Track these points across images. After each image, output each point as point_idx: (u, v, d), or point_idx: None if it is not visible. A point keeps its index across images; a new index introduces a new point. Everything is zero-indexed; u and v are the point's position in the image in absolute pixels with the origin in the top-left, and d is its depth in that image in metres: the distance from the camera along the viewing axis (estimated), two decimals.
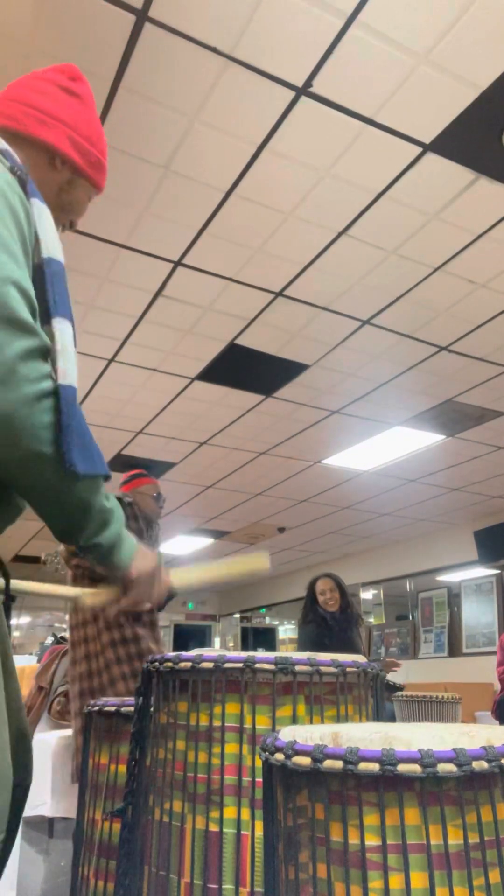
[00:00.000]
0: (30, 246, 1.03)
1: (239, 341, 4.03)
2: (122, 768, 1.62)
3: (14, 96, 1.18)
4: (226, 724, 1.18)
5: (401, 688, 4.82)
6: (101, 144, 1.24)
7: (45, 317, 1.01)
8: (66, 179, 1.19)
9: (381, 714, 1.35)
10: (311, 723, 1.19)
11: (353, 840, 0.77)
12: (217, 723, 1.18)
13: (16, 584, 1.18)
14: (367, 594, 9.53)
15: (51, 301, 1.02)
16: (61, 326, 1.03)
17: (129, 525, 3.05)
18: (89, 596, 1.22)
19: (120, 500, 3.11)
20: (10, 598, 1.22)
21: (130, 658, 2.79)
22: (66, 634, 5.13)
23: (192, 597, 12.73)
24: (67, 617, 3.03)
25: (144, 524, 3.18)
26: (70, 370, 1.00)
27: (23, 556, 10.01)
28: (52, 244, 1.06)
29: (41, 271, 1.03)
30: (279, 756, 0.83)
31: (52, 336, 1.00)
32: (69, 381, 0.98)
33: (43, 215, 1.06)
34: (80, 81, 1.25)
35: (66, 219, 1.25)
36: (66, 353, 1.00)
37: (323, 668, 1.21)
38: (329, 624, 4.16)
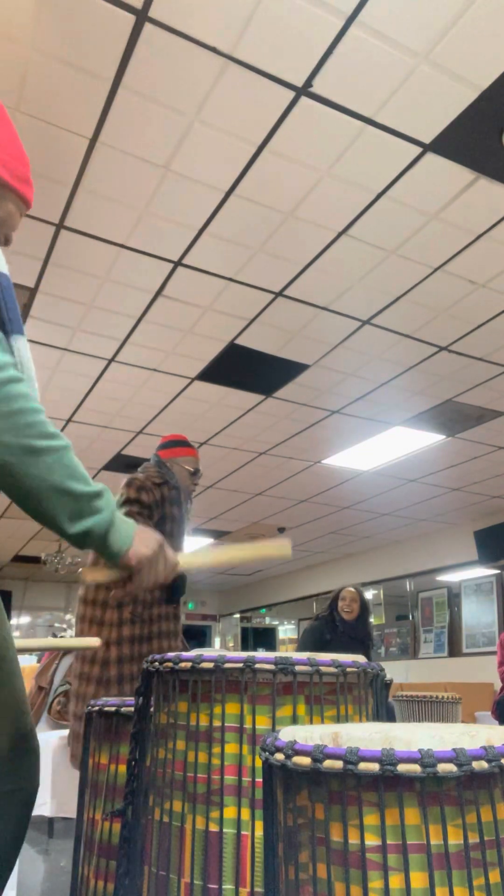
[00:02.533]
0: None
1: (239, 341, 4.03)
2: (122, 768, 1.62)
3: None
4: (226, 724, 1.18)
5: (390, 681, 4.85)
6: (24, 159, 1.27)
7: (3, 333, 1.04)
8: None
9: (381, 712, 1.35)
10: (311, 723, 1.19)
11: (353, 840, 0.77)
12: (217, 723, 1.18)
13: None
14: (367, 594, 9.53)
15: (6, 318, 1.05)
16: (18, 344, 1.05)
17: (167, 511, 2.92)
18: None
19: (154, 475, 2.93)
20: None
21: (142, 657, 2.74)
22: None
23: (191, 597, 12.74)
24: (76, 611, 2.96)
25: (181, 505, 3.02)
26: (33, 395, 1.03)
27: (23, 556, 10.01)
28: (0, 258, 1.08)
29: None
30: (279, 756, 0.83)
31: (11, 355, 1.03)
32: None
33: None
34: None
35: (0, 234, 1.26)
36: (23, 371, 1.04)
37: (323, 669, 1.21)
38: (336, 625, 4.25)
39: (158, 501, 2.85)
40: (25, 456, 0.94)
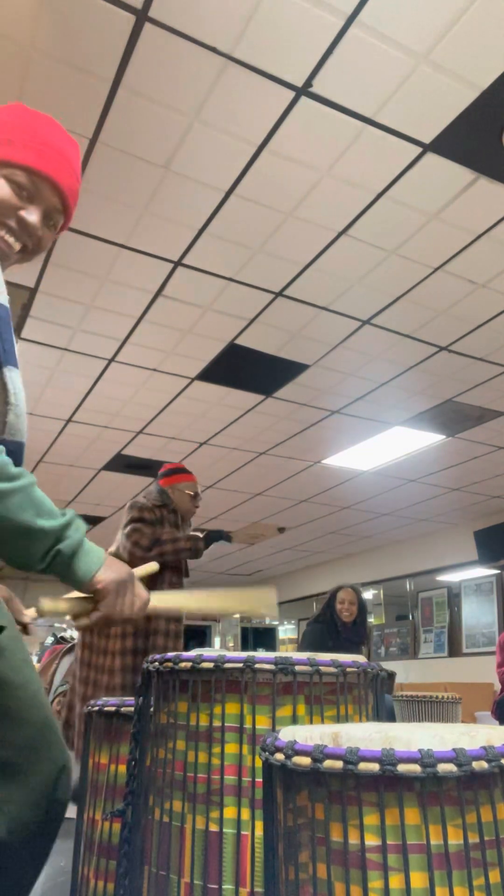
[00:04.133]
0: None
1: (239, 341, 4.03)
2: (122, 768, 1.62)
3: None
4: (226, 725, 1.18)
5: (392, 675, 4.83)
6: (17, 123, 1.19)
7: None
8: None
9: (381, 709, 1.35)
10: (311, 723, 1.19)
11: (353, 840, 0.77)
12: (217, 723, 1.18)
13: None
14: (367, 594, 9.53)
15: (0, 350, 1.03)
16: (11, 375, 1.04)
17: (165, 516, 3.10)
18: (48, 601, 1.14)
19: (155, 498, 3.17)
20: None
21: (136, 670, 2.78)
22: (66, 634, 5.13)
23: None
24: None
25: (178, 527, 3.23)
26: (21, 426, 1.04)
27: None
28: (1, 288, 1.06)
29: None
30: (279, 756, 0.83)
31: (3, 386, 1.03)
32: (19, 437, 1.04)
33: None
34: None
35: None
36: (17, 406, 1.04)
37: (323, 668, 1.21)
38: (337, 629, 4.20)
39: (159, 520, 3.11)
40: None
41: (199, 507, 3.41)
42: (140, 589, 1.12)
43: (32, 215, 1.15)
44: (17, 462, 1.03)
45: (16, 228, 1.15)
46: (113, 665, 2.82)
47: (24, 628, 1.29)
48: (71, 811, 1.33)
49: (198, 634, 12.80)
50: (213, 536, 3.27)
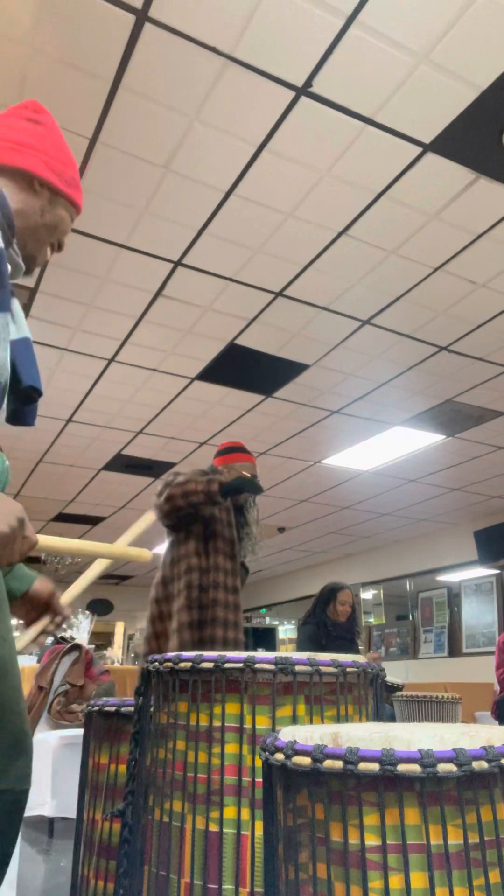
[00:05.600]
0: None
1: (239, 341, 4.03)
2: (122, 768, 1.62)
3: None
4: (226, 725, 1.18)
5: (400, 688, 4.83)
6: (73, 165, 1.33)
7: None
8: (47, 200, 1.26)
9: (381, 717, 1.35)
10: (311, 723, 1.19)
11: (353, 840, 0.77)
12: (217, 723, 1.18)
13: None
14: (367, 594, 9.53)
15: None
16: None
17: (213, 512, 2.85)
18: (84, 576, 1.18)
19: (214, 471, 2.89)
20: None
21: (202, 642, 2.66)
22: (66, 634, 5.13)
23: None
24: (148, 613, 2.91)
25: (229, 510, 2.92)
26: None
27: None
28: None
29: None
30: (279, 756, 0.83)
31: None
32: None
33: None
34: (43, 113, 1.35)
35: (53, 238, 1.30)
36: None
37: (323, 668, 1.21)
38: (328, 628, 4.20)
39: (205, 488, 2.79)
40: None
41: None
42: (29, 532, 1.05)
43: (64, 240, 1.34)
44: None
45: (55, 248, 1.32)
46: (170, 635, 2.69)
47: (63, 620, 1.34)
48: (71, 811, 1.32)
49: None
50: (236, 485, 2.80)
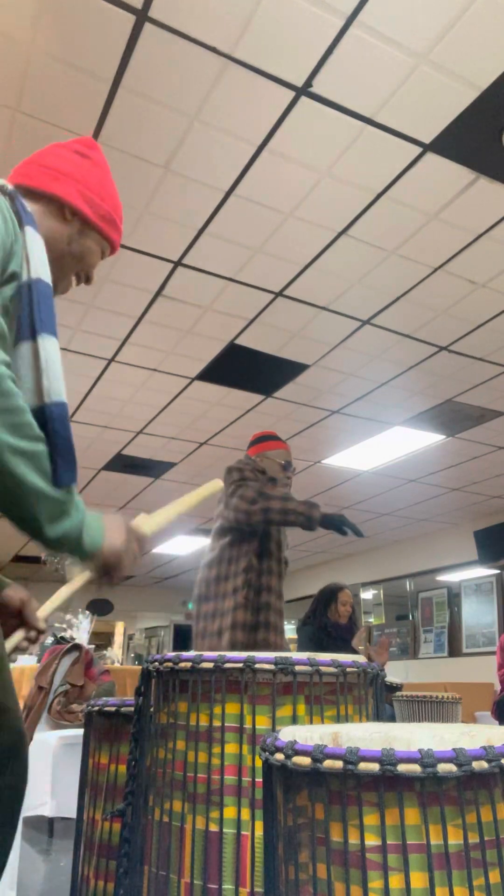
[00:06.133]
0: (10, 259, 1.09)
1: (239, 341, 4.03)
2: (122, 768, 1.62)
3: (33, 160, 1.29)
4: (226, 724, 1.18)
5: (399, 687, 4.82)
6: (113, 203, 1.32)
7: (31, 333, 1.08)
8: (76, 230, 1.26)
9: (381, 717, 1.35)
10: (311, 723, 1.19)
11: (353, 840, 0.77)
12: (217, 723, 1.18)
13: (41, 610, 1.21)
14: (367, 594, 9.53)
15: (37, 319, 1.08)
16: (47, 345, 1.08)
17: (263, 483, 2.80)
18: (70, 583, 1.17)
19: (250, 464, 2.83)
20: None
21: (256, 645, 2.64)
22: (66, 634, 5.13)
23: (192, 597, 12.72)
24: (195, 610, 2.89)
25: (275, 485, 2.88)
26: (55, 387, 1.07)
27: (23, 556, 10.02)
28: (41, 267, 1.12)
29: (29, 290, 1.09)
30: (279, 756, 0.83)
31: (36, 353, 1.07)
32: (54, 398, 1.06)
33: (35, 240, 1.13)
34: (95, 149, 1.38)
35: (78, 268, 1.30)
36: (49, 370, 1.07)
37: (323, 668, 1.21)
38: (328, 629, 4.17)
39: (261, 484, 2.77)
40: (11, 455, 0.94)
41: (290, 477, 3.02)
42: (138, 532, 1.15)
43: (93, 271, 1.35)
44: (66, 420, 1.06)
45: (81, 279, 1.33)
46: (222, 634, 2.67)
47: (39, 634, 1.30)
48: (71, 811, 1.32)
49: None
50: (335, 521, 2.74)
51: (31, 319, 1.08)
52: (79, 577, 1.17)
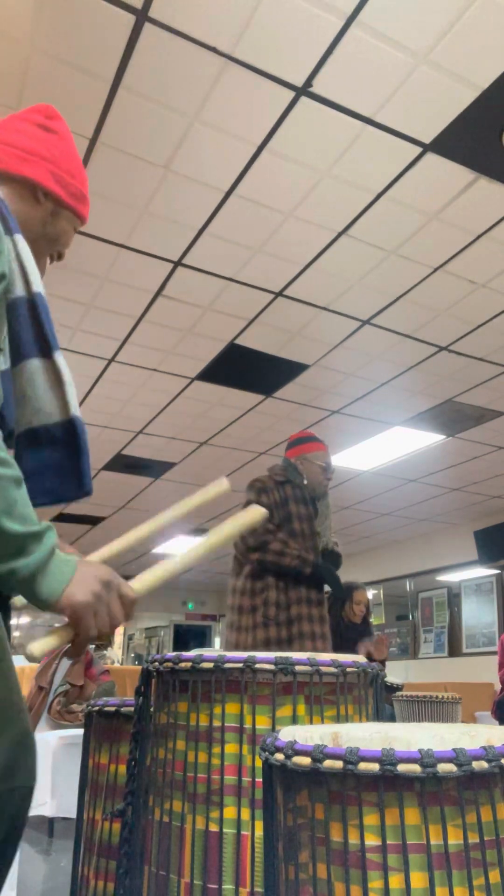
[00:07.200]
0: (8, 278, 1.06)
1: (239, 341, 4.03)
2: (122, 768, 1.62)
3: None
4: (226, 725, 1.18)
5: (399, 688, 4.82)
6: (81, 177, 1.29)
7: (47, 350, 1.06)
8: (49, 212, 1.23)
9: (381, 717, 1.35)
10: (311, 723, 1.19)
11: (353, 840, 0.77)
12: (217, 723, 1.18)
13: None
14: (368, 594, 9.53)
15: (49, 335, 1.07)
16: (60, 360, 1.07)
17: (292, 510, 2.85)
18: (38, 644, 1.09)
19: (288, 467, 2.90)
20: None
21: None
22: None
23: (191, 597, 12.73)
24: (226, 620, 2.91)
25: (308, 503, 2.90)
26: (75, 401, 1.07)
27: None
28: (38, 278, 1.10)
29: (34, 306, 1.07)
30: (279, 756, 0.83)
31: (57, 370, 1.06)
32: (75, 412, 1.07)
33: (27, 250, 1.09)
34: (57, 120, 1.31)
35: (53, 250, 1.27)
36: (71, 384, 1.07)
37: (323, 668, 1.21)
38: (342, 631, 4.11)
39: (279, 502, 2.82)
40: None
41: (330, 479, 3.04)
42: (124, 590, 0.99)
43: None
44: (82, 434, 1.05)
45: (54, 258, 1.29)
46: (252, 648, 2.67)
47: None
48: (71, 811, 1.32)
49: (198, 635, 12.80)
50: (323, 578, 2.87)
51: (42, 336, 1.05)
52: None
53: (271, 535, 2.74)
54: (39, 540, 0.91)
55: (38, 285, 1.08)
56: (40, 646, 1.04)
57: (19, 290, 1.06)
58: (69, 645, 1.04)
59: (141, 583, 1.05)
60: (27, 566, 0.90)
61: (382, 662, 4.26)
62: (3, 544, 0.88)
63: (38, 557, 0.91)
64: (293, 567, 2.74)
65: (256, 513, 1.27)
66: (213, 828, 1.13)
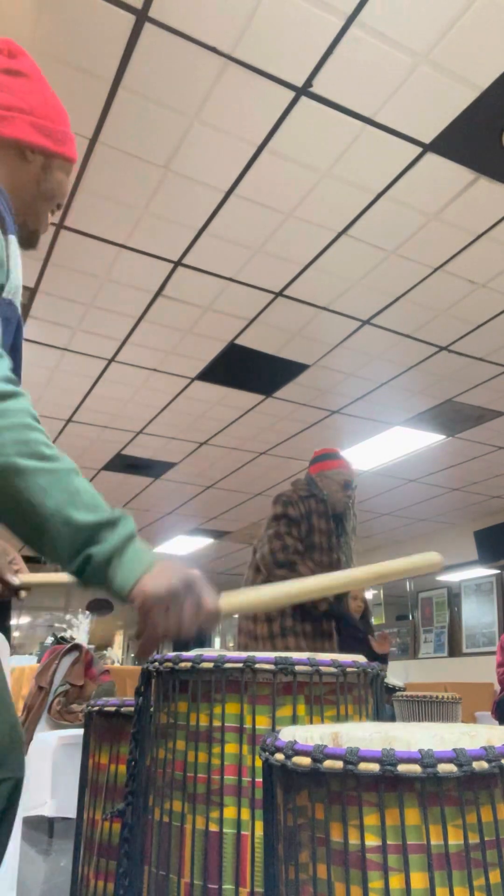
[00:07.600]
0: None
1: (239, 341, 4.03)
2: (122, 768, 1.62)
3: None
4: (226, 725, 1.18)
5: (401, 689, 4.82)
6: (62, 115, 1.20)
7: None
8: (40, 166, 1.16)
9: (381, 717, 1.35)
10: (311, 723, 1.19)
11: (353, 840, 0.77)
12: (217, 723, 1.18)
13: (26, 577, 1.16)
14: (367, 594, 9.52)
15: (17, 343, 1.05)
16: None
17: (314, 523, 2.81)
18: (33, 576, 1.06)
19: (310, 482, 2.90)
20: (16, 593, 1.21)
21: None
22: (66, 634, 5.13)
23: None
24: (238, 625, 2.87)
25: (329, 518, 2.89)
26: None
27: (23, 557, 10.01)
28: (18, 286, 1.08)
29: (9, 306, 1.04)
30: (279, 756, 0.83)
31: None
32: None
33: (17, 254, 1.07)
34: (21, 56, 1.18)
35: (52, 205, 1.21)
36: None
37: (323, 668, 1.21)
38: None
39: (304, 514, 2.84)
40: (13, 477, 0.82)
41: (350, 496, 3.03)
42: (205, 598, 0.90)
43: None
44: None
45: (55, 211, 1.24)
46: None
47: (7, 588, 1.26)
48: (71, 811, 1.32)
49: (198, 635, 12.77)
50: (335, 616, 2.90)
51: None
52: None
53: (300, 556, 2.73)
54: (113, 527, 0.87)
55: (11, 292, 1.06)
56: (30, 576, 1.03)
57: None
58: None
59: (229, 600, 0.94)
60: (101, 551, 0.85)
61: (384, 660, 4.26)
62: (74, 535, 0.84)
63: (113, 543, 0.86)
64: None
65: (433, 559, 1.12)
66: (213, 828, 1.13)
